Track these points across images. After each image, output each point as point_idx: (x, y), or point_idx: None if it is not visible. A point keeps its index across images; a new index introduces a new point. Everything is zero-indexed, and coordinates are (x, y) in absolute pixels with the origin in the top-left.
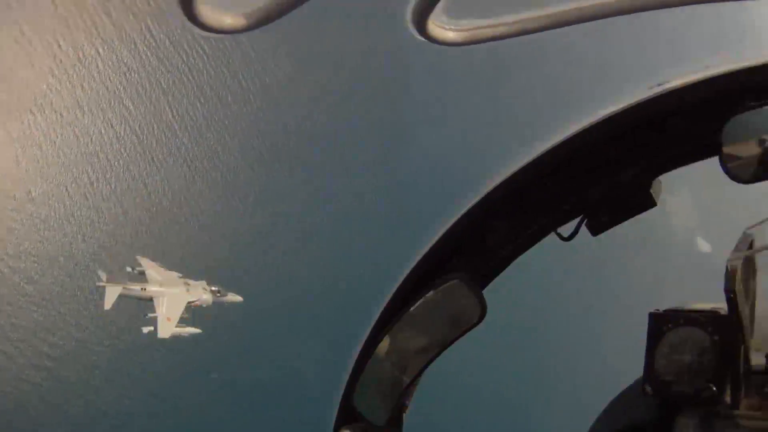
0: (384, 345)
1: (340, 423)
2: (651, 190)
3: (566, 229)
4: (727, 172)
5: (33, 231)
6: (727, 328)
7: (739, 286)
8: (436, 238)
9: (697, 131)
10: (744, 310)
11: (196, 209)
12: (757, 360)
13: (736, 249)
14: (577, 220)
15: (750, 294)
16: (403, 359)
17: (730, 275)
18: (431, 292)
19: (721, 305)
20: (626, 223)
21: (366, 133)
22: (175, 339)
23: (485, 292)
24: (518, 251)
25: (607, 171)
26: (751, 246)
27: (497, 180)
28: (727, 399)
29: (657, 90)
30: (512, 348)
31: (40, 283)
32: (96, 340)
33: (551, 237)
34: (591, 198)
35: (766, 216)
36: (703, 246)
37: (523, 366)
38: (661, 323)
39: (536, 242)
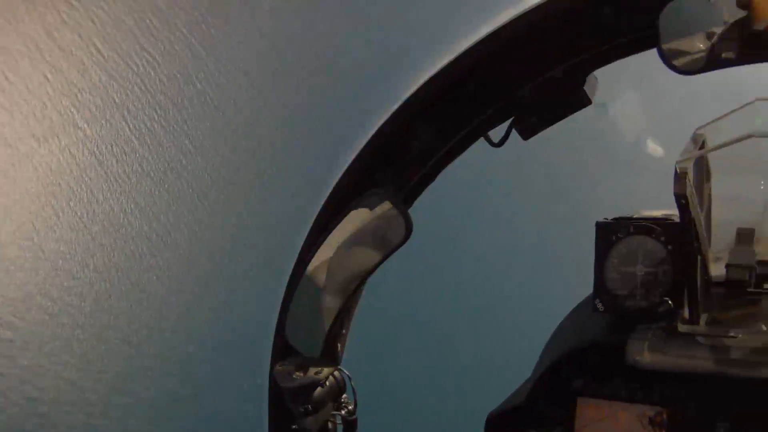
0: (309, 272)
1: (275, 359)
2: (585, 87)
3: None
4: (667, 63)
5: (4, 275)
6: (681, 237)
7: (690, 190)
8: (357, 150)
9: (630, 21)
10: (698, 216)
11: (166, 224)
12: (717, 271)
13: (686, 150)
14: (507, 124)
15: (705, 199)
16: (329, 284)
17: (680, 178)
18: (352, 211)
19: (675, 212)
20: (571, 129)
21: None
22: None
23: (419, 204)
24: (446, 160)
25: (537, 67)
26: (702, 147)
27: (419, 82)
28: (686, 314)
29: None
30: (450, 261)
31: (20, 327)
32: (86, 377)
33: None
34: (521, 98)
35: (718, 114)
36: (655, 149)
37: (466, 279)
38: (609, 233)
39: (464, 149)
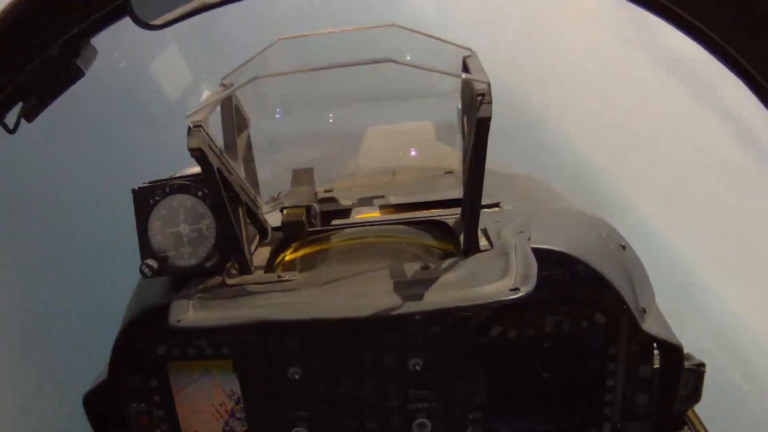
0: None
1: None
2: (78, 60)
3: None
4: (137, 22)
5: None
6: (210, 190)
7: (208, 142)
8: None
9: None
10: (227, 165)
11: None
12: (288, 214)
13: (206, 101)
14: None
15: (242, 146)
16: None
17: (193, 132)
18: None
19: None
20: (107, 98)
21: None
22: None
23: None
24: None
25: (33, 49)
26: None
27: None
28: (236, 265)
29: None
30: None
31: None
32: None
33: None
34: (26, 82)
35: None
36: None
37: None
38: (146, 197)
39: None
